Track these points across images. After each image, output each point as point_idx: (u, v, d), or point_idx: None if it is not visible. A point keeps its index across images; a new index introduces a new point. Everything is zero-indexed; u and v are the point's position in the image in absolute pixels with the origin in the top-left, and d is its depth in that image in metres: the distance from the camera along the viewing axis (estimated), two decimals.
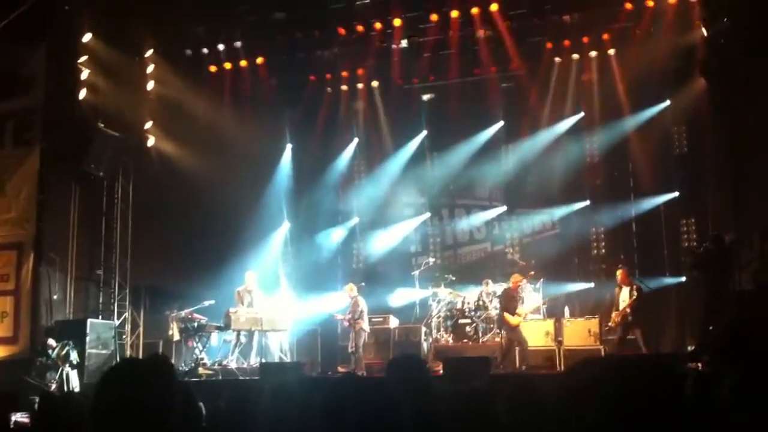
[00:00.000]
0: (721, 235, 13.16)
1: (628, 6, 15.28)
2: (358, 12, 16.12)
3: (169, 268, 15.97)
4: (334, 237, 17.80)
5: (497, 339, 14.68)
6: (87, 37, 15.07)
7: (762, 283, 12.90)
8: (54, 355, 13.42)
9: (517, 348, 13.60)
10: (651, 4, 15.06)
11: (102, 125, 15.19)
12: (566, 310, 14.72)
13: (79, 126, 15.00)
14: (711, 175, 15.37)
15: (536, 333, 13.90)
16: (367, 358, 14.42)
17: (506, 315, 13.53)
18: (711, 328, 12.10)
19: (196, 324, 14.31)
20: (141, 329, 15.90)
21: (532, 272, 14.89)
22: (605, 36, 15.95)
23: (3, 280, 14.53)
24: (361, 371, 13.52)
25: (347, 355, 15.02)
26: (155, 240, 16.16)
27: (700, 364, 11.24)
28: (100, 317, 15.11)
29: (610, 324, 13.41)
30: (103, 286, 15.64)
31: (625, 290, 13.15)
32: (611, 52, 16.13)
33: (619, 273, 13.40)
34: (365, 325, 14.45)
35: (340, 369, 14.04)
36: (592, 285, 15.76)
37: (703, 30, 14.75)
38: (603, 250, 16.84)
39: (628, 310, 12.95)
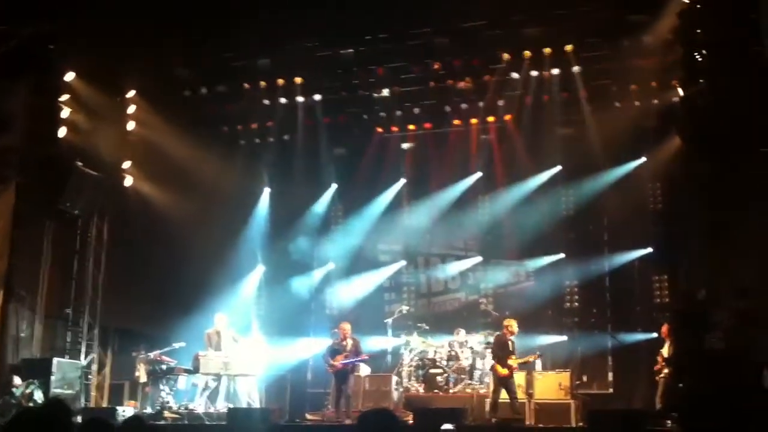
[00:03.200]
0: (693, 293, 13.26)
1: (607, 65, 15.56)
2: (343, 61, 16.35)
3: (140, 309, 15.85)
4: (308, 282, 17.73)
5: (468, 390, 14.63)
6: (70, 76, 15.15)
7: (732, 343, 12.97)
8: (18, 393, 13.25)
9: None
10: (629, 63, 15.30)
11: (80, 164, 15.19)
12: (538, 362, 14.66)
13: (57, 164, 15.03)
14: (685, 233, 15.48)
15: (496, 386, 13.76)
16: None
17: (496, 365, 13.33)
18: (680, 386, 12.14)
19: (164, 366, 14.17)
20: (107, 370, 15.72)
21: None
22: (583, 92, 16.16)
23: None
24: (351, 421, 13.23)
25: (317, 402, 14.93)
26: (128, 280, 16.09)
27: (669, 422, 11.30)
28: (67, 356, 14.94)
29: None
30: (71, 325, 15.50)
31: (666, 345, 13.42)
32: (589, 108, 16.32)
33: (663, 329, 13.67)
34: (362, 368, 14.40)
35: (309, 417, 13.88)
36: (565, 338, 15.76)
37: (680, 90, 15.00)
38: (576, 304, 16.89)
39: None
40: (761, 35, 12.50)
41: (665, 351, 13.32)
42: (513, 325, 13.62)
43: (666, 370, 13.20)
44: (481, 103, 16.73)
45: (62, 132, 15.02)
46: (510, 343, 13.48)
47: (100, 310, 15.80)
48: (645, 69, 15.31)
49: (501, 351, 13.47)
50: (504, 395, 13.22)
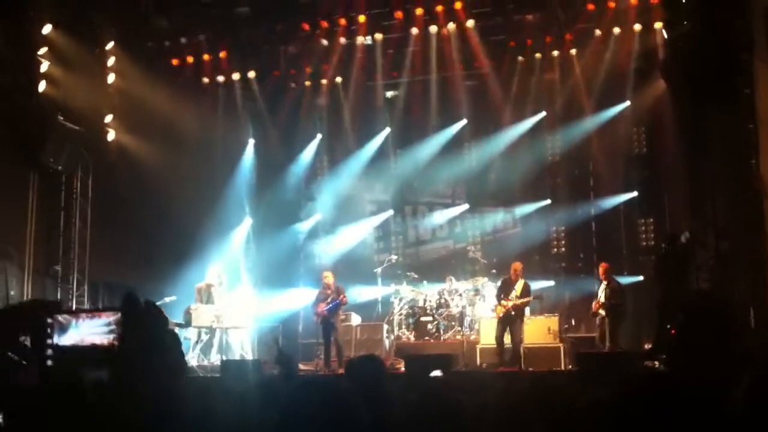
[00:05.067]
0: (676, 235, 13.41)
1: (590, 6, 15.45)
2: (323, 7, 16.11)
3: (128, 264, 15.74)
4: (296, 233, 17.70)
5: (458, 337, 14.80)
6: (47, 29, 14.81)
7: (716, 283, 13.17)
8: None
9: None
10: (612, 5, 15.20)
11: (61, 118, 14.96)
12: (527, 308, 14.78)
13: (37, 119, 14.76)
14: (669, 176, 15.61)
15: (495, 328, 13.90)
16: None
17: (496, 306, 13.55)
18: (668, 326, 12.32)
19: None
20: None
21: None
22: (567, 36, 16.06)
23: None
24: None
25: (309, 352, 15.04)
26: (115, 235, 15.98)
27: (656, 363, 11.47)
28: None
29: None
30: (61, 281, 15.42)
31: (603, 285, 13.38)
32: (573, 52, 16.26)
33: (600, 268, 13.61)
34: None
35: (301, 366, 13.96)
36: (552, 283, 15.91)
37: (664, 32, 14.94)
38: (563, 249, 17.05)
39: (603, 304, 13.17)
40: None
41: (601, 294, 13.34)
42: (518, 267, 13.66)
43: (602, 312, 13.24)
44: (464, 50, 16.62)
45: (42, 86, 14.74)
46: (512, 285, 13.51)
47: (89, 266, 15.72)
48: (628, 11, 15.24)
49: (500, 292, 13.62)
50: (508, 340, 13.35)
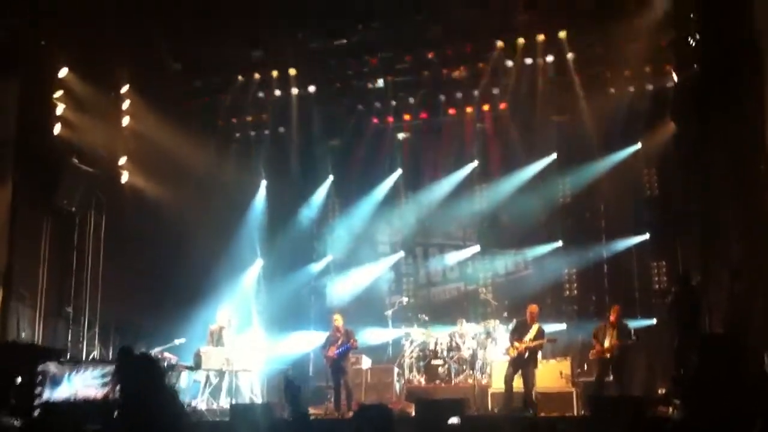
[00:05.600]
0: (688, 276, 13.32)
1: (600, 49, 15.56)
2: (336, 52, 16.31)
3: (140, 305, 15.80)
4: (307, 275, 17.69)
5: (470, 380, 14.66)
6: (63, 72, 15.08)
7: (731, 325, 13.05)
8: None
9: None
10: (622, 48, 15.31)
11: (76, 160, 15.12)
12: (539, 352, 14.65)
13: (52, 161, 14.93)
14: (680, 217, 15.55)
15: (505, 370, 13.74)
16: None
17: (508, 348, 13.36)
18: (681, 371, 12.19)
19: (166, 363, 14.13)
20: None
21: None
22: (576, 79, 16.17)
23: None
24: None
25: (319, 395, 14.91)
26: (127, 276, 16.05)
27: (671, 408, 11.34)
28: (69, 356, 14.87)
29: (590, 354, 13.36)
30: (72, 323, 15.44)
31: (611, 329, 13.12)
32: (584, 94, 16.34)
33: (612, 310, 13.36)
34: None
35: (311, 410, 13.84)
36: (564, 326, 15.78)
37: (674, 75, 15.02)
38: (575, 291, 16.94)
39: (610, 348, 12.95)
40: (753, 19, 12.53)
41: (607, 340, 13.03)
42: (534, 310, 13.48)
43: (608, 355, 12.97)
44: (475, 92, 16.78)
45: (57, 128, 14.94)
46: (528, 327, 13.32)
47: (100, 307, 15.76)
48: (638, 54, 15.35)
49: (514, 333, 13.46)
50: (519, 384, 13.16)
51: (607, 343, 13.01)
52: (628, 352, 13.21)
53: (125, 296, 15.96)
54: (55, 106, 14.98)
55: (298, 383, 12.99)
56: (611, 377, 13.04)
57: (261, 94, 17.12)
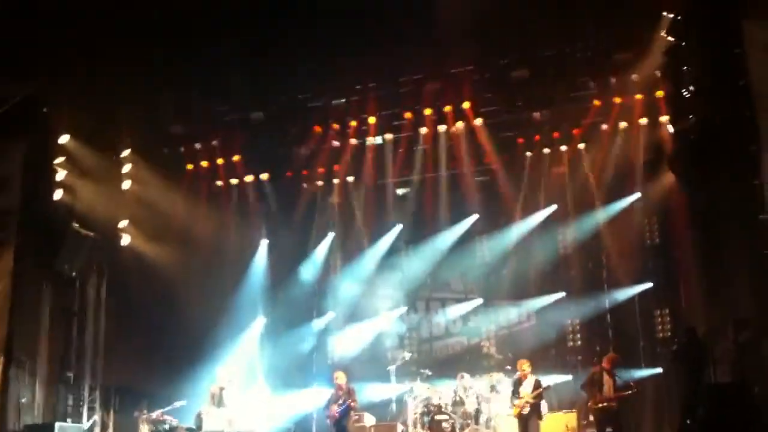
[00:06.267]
0: (693, 329, 13.21)
1: (597, 103, 15.71)
2: (334, 110, 16.51)
3: (140, 367, 15.80)
4: (309, 332, 17.62)
5: None
6: (64, 138, 15.25)
7: (737, 375, 12.90)
8: None
9: None
10: (618, 100, 15.47)
11: (77, 225, 15.22)
12: (543, 403, 14.50)
13: (53, 226, 15.03)
14: (683, 266, 15.50)
15: (513, 428, 13.63)
16: None
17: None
18: (688, 422, 12.03)
19: (167, 426, 14.04)
20: (110, 431, 15.55)
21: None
22: (575, 131, 16.33)
23: None
24: None
25: None
26: (127, 338, 16.07)
27: None
28: (70, 420, 14.78)
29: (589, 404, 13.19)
30: (73, 387, 15.36)
31: (608, 377, 13.00)
32: (581, 146, 16.47)
33: (605, 360, 13.29)
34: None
35: None
36: (569, 377, 15.65)
37: (669, 126, 15.14)
38: (579, 342, 16.82)
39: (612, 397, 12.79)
40: (747, 69, 12.65)
41: (606, 388, 12.90)
42: (522, 365, 13.54)
43: (614, 404, 12.82)
44: (474, 147, 16.90)
45: (58, 194, 15.07)
46: (522, 383, 13.39)
47: (101, 370, 15.71)
48: (633, 106, 15.49)
49: (513, 391, 13.51)
50: None
51: (606, 392, 12.85)
52: (631, 402, 13.06)
53: (126, 359, 15.95)
54: (56, 172, 15.12)
55: None
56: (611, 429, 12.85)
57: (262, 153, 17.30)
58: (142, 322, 16.06)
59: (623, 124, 15.84)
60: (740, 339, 13.40)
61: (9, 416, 14.00)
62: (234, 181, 17.61)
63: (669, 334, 15.62)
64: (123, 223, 16.32)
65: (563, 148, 16.62)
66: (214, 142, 17.08)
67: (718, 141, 13.64)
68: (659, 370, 15.03)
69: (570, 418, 13.91)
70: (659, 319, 16.01)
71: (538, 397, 13.29)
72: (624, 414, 12.92)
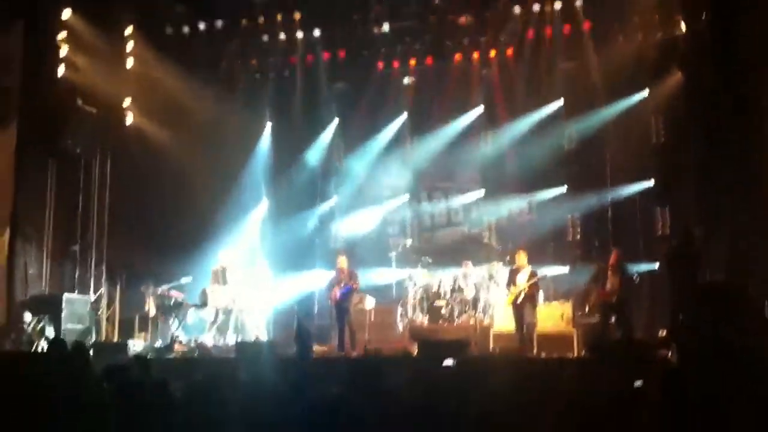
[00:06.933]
0: (690, 229, 13.37)
1: None
2: None
3: (145, 245, 15.97)
4: (312, 216, 17.78)
5: (471, 321, 14.88)
6: (66, 14, 14.99)
7: (731, 276, 13.17)
8: (29, 329, 13.47)
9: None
10: None
11: (80, 102, 15.14)
12: (540, 294, 14.82)
13: (57, 103, 14.97)
14: (686, 166, 15.55)
15: (510, 316, 13.98)
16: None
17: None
18: (680, 318, 12.34)
19: (173, 301, 14.39)
20: (117, 305, 15.92)
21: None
22: (586, 25, 16.06)
23: None
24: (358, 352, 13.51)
25: (323, 334, 15.17)
26: (132, 217, 16.24)
27: (669, 352, 11.52)
28: (76, 292, 15.11)
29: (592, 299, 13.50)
30: (79, 261, 15.62)
31: (612, 273, 13.18)
32: (592, 41, 16.23)
33: (612, 254, 13.46)
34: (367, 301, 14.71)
35: (316, 347, 14.10)
36: (566, 270, 15.93)
37: (683, 24, 14.90)
38: (578, 236, 16.99)
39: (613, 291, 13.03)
40: None
41: (609, 283, 13.09)
42: (519, 256, 13.81)
43: (613, 299, 13.03)
44: (482, 38, 16.67)
45: (61, 70, 14.93)
46: (518, 273, 13.66)
47: (107, 247, 15.94)
48: (648, 2, 15.20)
49: (509, 280, 13.80)
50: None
51: (609, 287, 13.14)
52: (631, 296, 13.34)
53: (131, 237, 16.14)
54: (59, 48, 14.92)
55: (309, 326, 13.29)
56: (614, 320, 13.20)
57: (266, 38, 17.04)
58: (146, 202, 16.20)
59: (636, 20, 15.58)
60: (736, 241, 13.65)
61: (17, 287, 14.34)
62: (238, 62, 17.38)
63: (668, 232, 15.81)
64: (127, 102, 16.21)
65: (574, 42, 16.37)
66: (218, 23, 16.80)
67: (730, 42, 13.50)
68: (656, 266, 15.25)
69: (565, 308, 14.22)
70: (659, 217, 16.16)
71: (533, 287, 13.60)
72: (627, 305, 13.15)
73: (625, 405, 5.72)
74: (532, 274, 13.63)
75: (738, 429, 5.12)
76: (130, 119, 16.26)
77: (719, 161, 13.93)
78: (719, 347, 10.35)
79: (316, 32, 16.89)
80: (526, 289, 13.49)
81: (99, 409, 6.14)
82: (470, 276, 15.41)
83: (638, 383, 6.68)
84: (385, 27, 16.66)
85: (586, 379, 7.88)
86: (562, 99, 16.84)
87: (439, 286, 15.50)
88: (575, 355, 13.28)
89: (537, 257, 15.06)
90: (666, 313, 13.52)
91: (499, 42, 16.70)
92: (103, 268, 15.88)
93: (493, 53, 16.90)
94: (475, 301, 15.12)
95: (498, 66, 17.07)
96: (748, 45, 13.17)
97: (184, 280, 14.59)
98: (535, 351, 13.38)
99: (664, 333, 12.90)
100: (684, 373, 8.63)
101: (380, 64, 17.44)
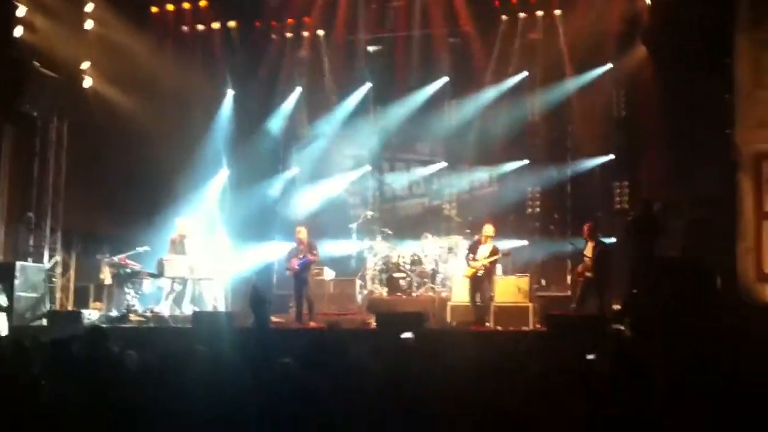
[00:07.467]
0: (649, 202, 13.51)
1: None
2: None
3: (102, 213, 15.74)
4: (272, 186, 17.62)
5: (430, 293, 14.93)
6: None
7: (687, 250, 13.36)
8: None
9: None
10: None
11: (38, 64, 14.76)
12: (498, 267, 14.91)
13: (13, 65, 14.57)
14: (647, 140, 15.68)
15: (466, 289, 14.01)
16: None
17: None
18: (635, 291, 12.50)
19: (129, 270, 14.22)
20: (72, 273, 15.69)
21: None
22: None
23: None
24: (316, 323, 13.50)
25: (282, 304, 15.13)
26: (89, 183, 15.94)
27: (622, 326, 11.69)
28: (31, 260, 14.86)
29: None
30: (34, 228, 15.33)
31: (589, 245, 13.31)
32: (557, 12, 16.23)
33: (586, 227, 13.56)
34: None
35: (273, 319, 14.07)
36: (525, 243, 16.02)
37: None
38: (538, 209, 17.08)
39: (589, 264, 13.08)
40: None
41: (588, 251, 13.26)
42: (486, 229, 13.76)
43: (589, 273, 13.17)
44: (449, 8, 16.56)
45: (18, 31, 14.51)
46: (479, 247, 13.65)
47: (63, 214, 15.66)
48: None
49: (469, 252, 13.79)
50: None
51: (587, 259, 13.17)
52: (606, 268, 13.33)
53: (88, 204, 15.84)
54: (16, 7, 14.50)
55: (265, 295, 13.22)
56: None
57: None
58: (104, 169, 15.91)
59: None
60: (694, 215, 13.85)
61: None
62: (200, 27, 17.09)
63: (627, 206, 15.96)
64: (85, 65, 15.86)
65: (539, 13, 16.36)
66: None
67: (694, 16, 13.57)
68: (613, 240, 15.38)
69: (522, 281, 14.31)
70: (618, 191, 16.28)
71: (494, 263, 13.66)
72: (603, 281, 13.17)
73: (578, 378, 5.77)
74: (495, 251, 13.63)
75: (692, 402, 5.19)
76: (88, 83, 15.91)
77: (682, 134, 14.06)
78: (672, 321, 10.60)
79: None
80: (487, 264, 13.53)
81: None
82: (430, 248, 15.43)
83: (590, 357, 6.76)
84: None
85: (542, 353, 7.93)
86: (525, 71, 16.82)
87: (398, 258, 15.50)
88: (531, 326, 13.41)
89: (497, 230, 15.09)
90: (622, 286, 13.67)
91: (465, 13, 16.56)
92: (59, 235, 15.59)
93: (459, 24, 16.77)
94: (434, 273, 15.18)
95: (463, 36, 16.96)
96: (713, 19, 13.25)
97: (140, 249, 14.40)
98: (491, 324, 13.47)
99: (619, 307, 13.09)
100: (637, 346, 8.76)
101: (344, 32, 17.23)
